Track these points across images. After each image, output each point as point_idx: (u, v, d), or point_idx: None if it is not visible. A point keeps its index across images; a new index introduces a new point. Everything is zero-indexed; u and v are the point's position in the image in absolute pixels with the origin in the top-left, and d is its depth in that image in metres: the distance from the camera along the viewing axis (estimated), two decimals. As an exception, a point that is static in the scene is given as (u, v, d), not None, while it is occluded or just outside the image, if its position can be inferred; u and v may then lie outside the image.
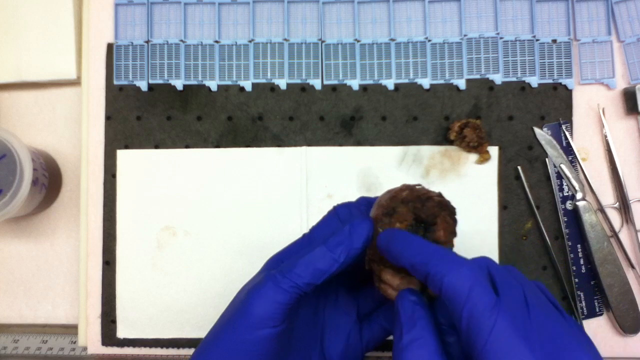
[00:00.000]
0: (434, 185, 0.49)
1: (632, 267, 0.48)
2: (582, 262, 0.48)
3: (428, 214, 0.30)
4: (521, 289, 0.26)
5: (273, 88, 0.50)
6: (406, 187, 0.32)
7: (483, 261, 0.28)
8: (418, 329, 0.27)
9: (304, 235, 0.36)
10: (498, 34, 0.49)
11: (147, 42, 0.51)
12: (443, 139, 0.49)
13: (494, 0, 0.49)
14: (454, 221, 0.32)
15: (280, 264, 0.34)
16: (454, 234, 0.32)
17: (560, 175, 0.48)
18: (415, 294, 0.30)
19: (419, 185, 0.33)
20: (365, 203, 0.36)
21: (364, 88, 0.50)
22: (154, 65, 0.50)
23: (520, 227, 0.49)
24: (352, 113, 0.50)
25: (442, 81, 0.49)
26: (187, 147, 0.50)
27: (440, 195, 0.32)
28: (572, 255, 0.48)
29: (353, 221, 0.32)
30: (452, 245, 0.32)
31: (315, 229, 0.36)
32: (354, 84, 0.50)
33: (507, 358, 0.23)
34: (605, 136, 0.48)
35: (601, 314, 0.48)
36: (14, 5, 0.51)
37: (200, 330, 0.49)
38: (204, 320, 0.49)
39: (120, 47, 0.51)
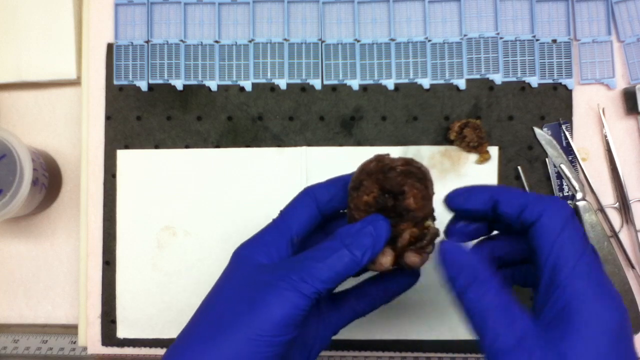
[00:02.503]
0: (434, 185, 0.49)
1: (632, 267, 0.48)
2: (582, 262, 0.48)
3: (392, 184, 0.30)
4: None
5: (273, 88, 0.50)
6: (375, 158, 0.32)
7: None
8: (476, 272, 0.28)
9: (274, 221, 0.33)
10: (498, 34, 0.49)
11: (147, 42, 0.51)
12: (443, 139, 0.49)
13: (494, 0, 0.49)
14: (426, 186, 0.31)
15: (250, 255, 0.32)
16: (427, 198, 0.31)
17: (560, 175, 0.48)
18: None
19: (387, 154, 0.32)
20: (342, 183, 0.34)
21: (364, 88, 0.50)
22: (154, 65, 0.50)
23: (520, 227, 0.49)
24: (352, 113, 0.50)
25: (442, 81, 0.49)
26: (187, 147, 0.50)
27: (407, 163, 0.31)
28: (572, 255, 0.48)
29: (374, 223, 0.30)
30: (431, 210, 0.32)
31: (287, 215, 0.33)
32: (354, 84, 0.50)
33: (593, 283, 0.26)
34: (605, 136, 0.48)
35: (601, 314, 0.48)
36: (14, 5, 0.51)
37: (200, 330, 0.49)
38: (204, 320, 0.49)
39: (120, 47, 0.51)
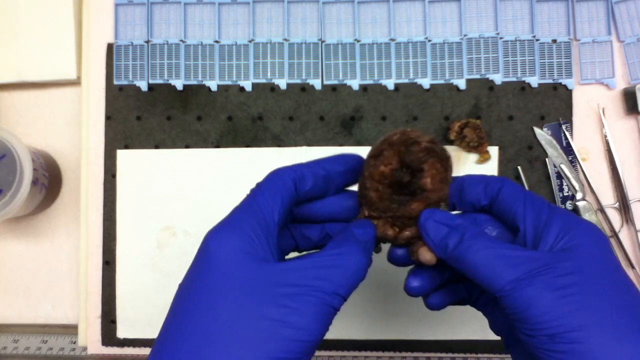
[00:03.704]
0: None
1: (632, 267, 0.48)
2: (582, 262, 0.48)
3: (412, 158, 0.29)
4: None
5: (273, 88, 0.50)
6: (400, 131, 0.30)
7: None
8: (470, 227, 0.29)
9: (257, 205, 0.28)
10: (498, 34, 0.49)
11: (147, 42, 0.51)
12: (443, 139, 0.49)
13: (494, 0, 0.49)
14: (446, 169, 0.30)
15: (239, 249, 0.27)
16: (445, 181, 0.30)
17: (560, 175, 0.48)
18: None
19: (415, 130, 0.30)
20: (323, 171, 0.31)
21: (364, 88, 0.50)
22: (154, 65, 0.50)
23: (520, 227, 0.49)
24: (352, 113, 0.50)
25: (442, 81, 0.49)
26: (187, 147, 0.50)
27: (431, 140, 0.30)
28: (572, 255, 0.48)
29: (370, 227, 0.30)
30: (445, 196, 0.30)
31: (268, 199, 0.28)
32: (354, 84, 0.50)
33: (572, 216, 0.28)
34: (605, 136, 0.48)
35: (601, 314, 0.48)
36: (14, 5, 0.51)
37: (200, 330, 0.49)
38: (204, 320, 0.49)
39: (120, 47, 0.51)
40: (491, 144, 0.49)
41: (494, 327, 0.32)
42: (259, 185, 0.30)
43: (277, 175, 0.30)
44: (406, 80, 0.49)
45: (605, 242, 0.28)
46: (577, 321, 0.24)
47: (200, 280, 0.28)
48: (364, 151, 0.50)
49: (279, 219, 0.28)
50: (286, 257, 0.33)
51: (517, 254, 0.27)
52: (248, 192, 0.30)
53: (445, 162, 0.30)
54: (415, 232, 0.30)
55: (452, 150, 0.49)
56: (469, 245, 0.27)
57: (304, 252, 0.31)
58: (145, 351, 0.50)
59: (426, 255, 0.30)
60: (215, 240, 0.28)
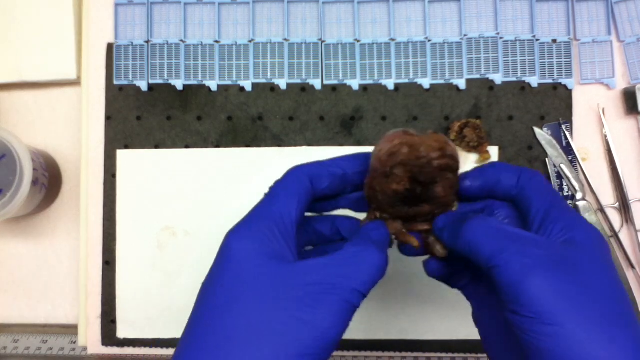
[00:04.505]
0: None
1: (632, 267, 0.48)
2: (582, 262, 0.48)
3: (426, 177, 0.30)
4: None
5: (273, 88, 0.50)
6: (405, 142, 0.29)
7: None
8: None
9: (269, 199, 0.30)
10: (498, 34, 0.49)
11: (147, 42, 0.51)
12: (443, 139, 0.49)
13: (494, 0, 0.49)
14: (456, 175, 0.31)
15: (262, 251, 0.27)
16: (454, 188, 0.31)
17: (560, 175, 0.48)
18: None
19: (414, 134, 0.30)
20: (341, 171, 0.31)
21: (364, 88, 0.50)
22: (154, 65, 0.50)
23: (520, 227, 0.49)
24: (352, 113, 0.50)
25: (442, 81, 0.49)
26: (187, 147, 0.50)
27: (443, 154, 0.29)
28: (572, 255, 0.48)
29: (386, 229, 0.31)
30: (453, 199, 0.32)
31: (285, 199, 0.29)
32: (354, 84, 0.50)
33: (578, 216, 0.29)
34: (605, 136, 0.48)
35: (601, 314, 0.48)
36: (14, 5, 0.51)
37: (200, 330, 0.49)
38: (204, 320, 0.49)
39: (120, 47, 0.51)
40: (491, 144, 0.49)
41: (475, 315, 0.33)
42: (277, 183, 0.31)
43: (294, 174, 0.30)
44: (406, 80, 0.49)
45: (603, 242, 0.28)
46: (563, 305, 0.24)
47: (220, 280, 0.28)
48: (363, 151, 0.50)
49: (297, 219, 0.29)
50: (304, 249, 0.34)
51: (512, 230, 0.27)
52: (267, 190, 0.31)
53: (456, 171, 0.31)
54: (427, 226, 0.32)
55: (452, 150, 0.49)
56: (468, 223, 0.28)
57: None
58: (145, 351, 0.50)
59: (439, 249, 0.31)
60: (234, 241, 0.28)
